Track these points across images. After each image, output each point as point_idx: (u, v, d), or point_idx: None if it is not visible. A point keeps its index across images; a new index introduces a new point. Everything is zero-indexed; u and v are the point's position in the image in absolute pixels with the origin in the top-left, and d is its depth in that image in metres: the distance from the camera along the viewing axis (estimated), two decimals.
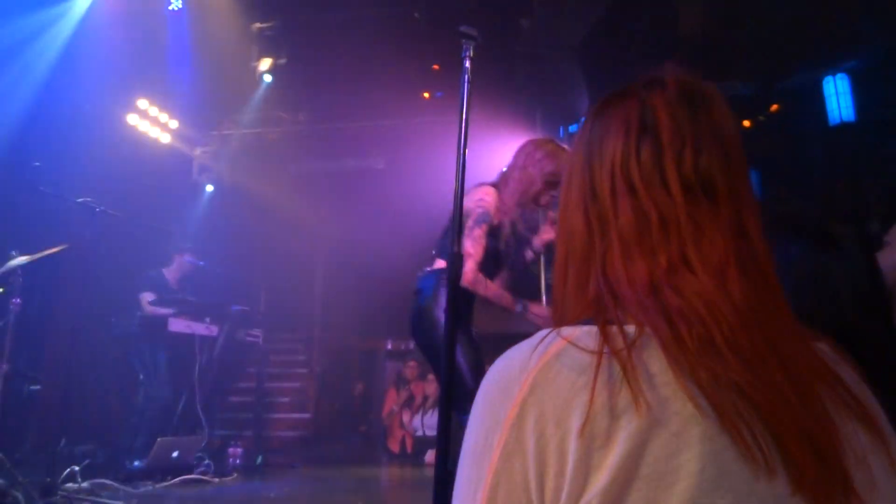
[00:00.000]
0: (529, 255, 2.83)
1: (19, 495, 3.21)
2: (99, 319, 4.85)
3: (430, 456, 6.01)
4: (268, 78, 5.92)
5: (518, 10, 5.04)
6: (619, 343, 0.55)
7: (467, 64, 2.14)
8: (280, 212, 7.09)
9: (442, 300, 2.46)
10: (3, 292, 3.55)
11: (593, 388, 0.52)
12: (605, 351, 0.54)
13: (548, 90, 5.67)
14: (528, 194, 2.58)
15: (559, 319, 0.65)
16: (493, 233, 2.54)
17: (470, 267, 2.45)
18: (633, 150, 0.64)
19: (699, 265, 0.59)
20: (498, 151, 5.87)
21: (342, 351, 8.44)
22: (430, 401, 6.31)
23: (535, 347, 0.57)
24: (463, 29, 2.10)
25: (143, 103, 5.78)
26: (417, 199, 7.16)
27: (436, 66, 7.03)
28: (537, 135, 6.57)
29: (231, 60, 5.77)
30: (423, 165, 6.92)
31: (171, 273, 5.28)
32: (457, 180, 2.02)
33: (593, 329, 0.57)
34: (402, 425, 6.36)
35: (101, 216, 3.86)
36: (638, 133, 0.65)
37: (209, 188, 7.07)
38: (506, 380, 0.57)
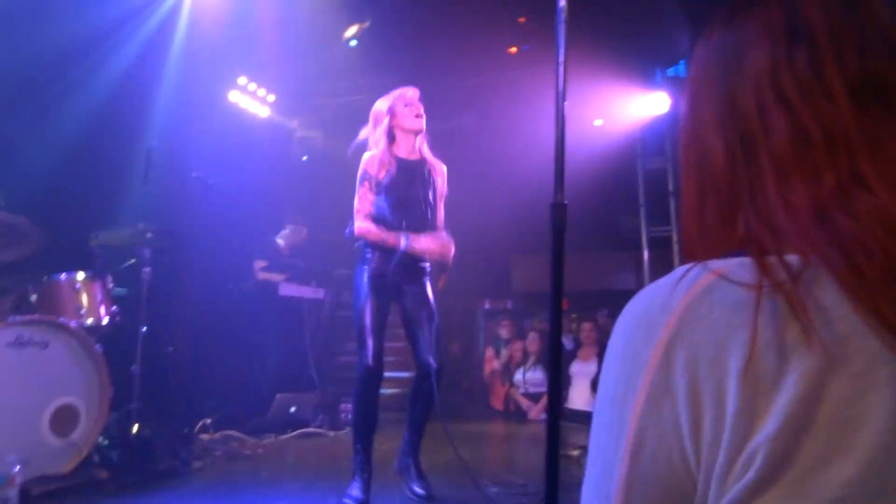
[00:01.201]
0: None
1: (164, 443, 3.56)
2: (218, 286, 5.21)
3: (533, 412, 6.05)
4: (353, 42, 5.98)
5: None
6: (782, 275, 0.48)
7: (563, 3, 2.04)
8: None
9: (357, 272, 3.10)
10: (135, 262, 3.87)
11: (755, 325, 0.47)
12: (765, 284, 0.48)
13: (643, 31, 5.36)
14: (381, 132, 3.14)
15: (697, 258, 0.58)
16: (386, 184, 3.05)
17: (356, 221, 3.04)
18: (783, 58, 0.56)
19: (876, 183, 0.51)
20: (591, 97, 5.68)
21: (441, 311, 8.60)
22: (532, 358, 6.32)
23: (677, 283, 0.52)
24: None
25: (242, 80, 6.03)
26: (510, 157, 7.08)
27: (522, 19, 6.83)
28: (632, 79, 6.29)
29: (320, 30, 5.87)
30: (514, 121, 6.80)
31: (282, 241, 5.60)
32: (557, 125, 1.96)
33: (747, 261, 0.51)
34: (504, 382, 6.43)
35: (214, 189, 4.11)
36: (787, 38, 0.57)
37: (304, 158, 7.33)
38: (646, 320, 0.53)
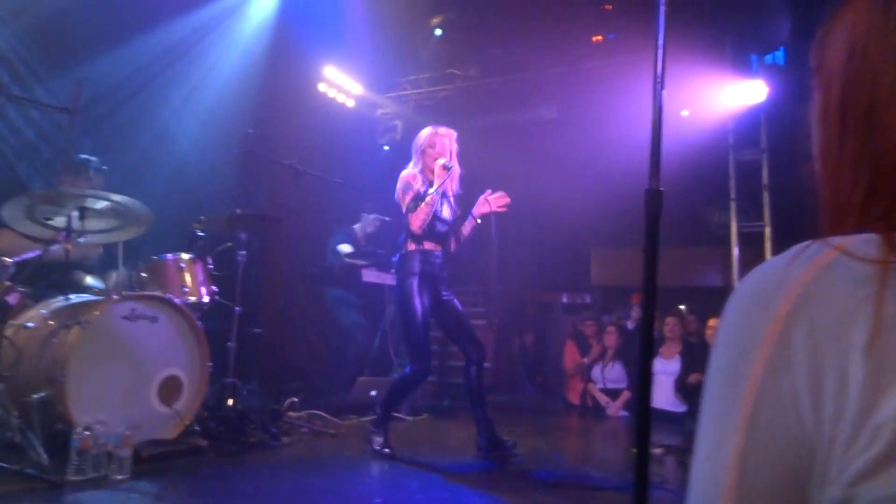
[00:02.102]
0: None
1: (255, 417, 3.75)
2: (303, 270, 5.42)
3: (611, 408, 5.94)
4: (438, 31, 6.02)
5: None
6: None
7: None
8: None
9: (401, 276, 3.65)
10: (231, 246, 4.08)
11: (881, 300, 0.46)
12: (891, 259, 0.48)
13: (740, 16, 5.11)
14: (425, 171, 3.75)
15: (829, 228, 0.58)
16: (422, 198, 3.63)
17: (412, 216, 3.60)
18: None
19: None
20: (680, 86, 5.47)
21: (518, 304, 8.58)
22: (610, 353, 6.20)
23: (794, 259, 0.52)
24: None
25: (330, 71, 6.21)
26: (591, 148, 6.96)
27: (608, 7, 6.67)
28: (725, 66, 6.02)
29: (405, 22, 5.96)
30: (596, 112, 6.67)
31: (360, 229, 5.74)
32: (654, 110, 1.91)
33: (872, 237, 0.50)
34: (583, 378, 6.34)
35: (303, 176, 4.27)
36: None
37: (386, 148, 7.47)
38: (763, 293, 0.53)
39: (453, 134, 3.81)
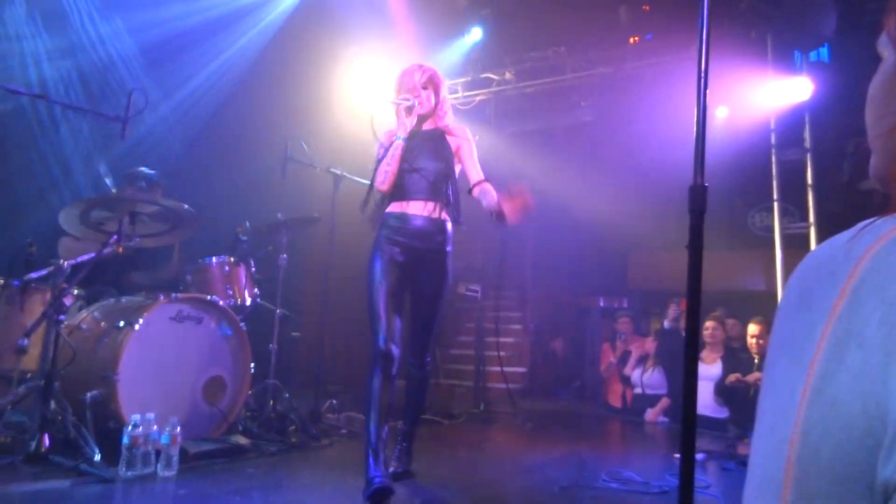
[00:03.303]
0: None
1: (296, 419, 3.81)
2: (342, 275, 5.49)
3: (650, 414, 5.85)
4: (477, 34, 6.04)
5: None
6: None
7: None
8: (491, 172, 7.30)
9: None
10: (272, 250, 4.16)
11: None
12: None
13: (784, 11, 5.00)
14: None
15: None
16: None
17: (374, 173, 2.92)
18: None
19: None
20: (722, 81, 5.37)
21: (555, 308, 8.52)
22: (651, 360, 6.11)
23: (858, 234, 0.52)
24: None
25: (363, 74, 6.29)
26: (628, 151, 6.89)
27: (646, 7, 6.61)
28: (767, 62, 5.88)
29: (443, 28, 6.00)
30: (633, 114, 6.60)
31: None
32: (698, 105, 1.90)
33: None
34: (622, 379, 6.26)
35: (343, 181, 4.34)
36: None
37: None
38: (829, 266, 0.52)
39: (423, 66, 2.99)
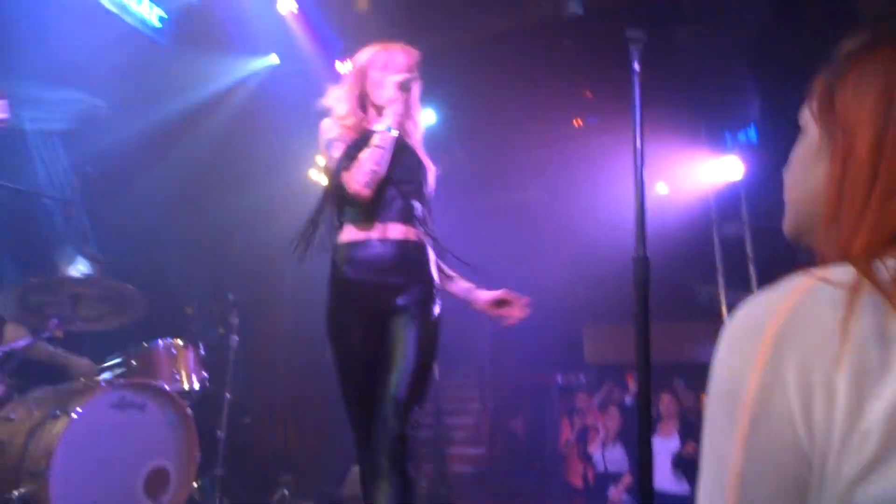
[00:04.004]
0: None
1: None
2: (297, 358, 5.34)
3: (612, 492, 5.74)
4: (431, 117, 6.24)
5: (673, 19, 4.91)
6: (884, 275, 0.54)
7: (636, 67, 2.11)
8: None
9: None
10: (223, 332, 4.05)
11: (850, 317, 0.52)
12: (865, 284, 0.54)
13: (711, 96, 5.41)
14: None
15: (835, 253, 0.62)
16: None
17: (346, 175, 2.05)
18: None
19: None
20: (661, 161, 5.68)
21: (512, 386, 8.44)
22: (612, 434, 6.06)
23: (779, 289, 0.58)
24: (628, 33, 2.09)
25: (321, 159, 6.39)
26: (578, 226, 7.10)
27: (588, 93, 7.03)
28: (702, 143, 6.28)
29: None
30: (582, 193, 6.87)
31: None
32: (636, 179, 1.99)
33: (849, 268, 0.56)
34: (581, 457, 6.16)
35: (298, 261, 4.30)
36: None
37: None
38: (751, 323, 0.57)
39: (408, 49, 2.28)
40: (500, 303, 2.28)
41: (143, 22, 4.62)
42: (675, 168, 6.05)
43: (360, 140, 2.10)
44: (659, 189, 6.68)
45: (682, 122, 5.61)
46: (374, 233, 2.10)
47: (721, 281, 6.10)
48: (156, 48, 4.67)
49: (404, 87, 2.14)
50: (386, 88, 2.17)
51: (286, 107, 5.21)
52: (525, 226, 7.36)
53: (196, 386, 3.57)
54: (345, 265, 2.10)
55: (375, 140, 2.07)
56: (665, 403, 5.80)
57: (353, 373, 2.11)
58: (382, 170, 2.05)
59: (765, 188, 5.90)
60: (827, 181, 0.66)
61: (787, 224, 0.77)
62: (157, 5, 4.72)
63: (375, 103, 2.23)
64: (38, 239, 3.51)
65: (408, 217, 2.14)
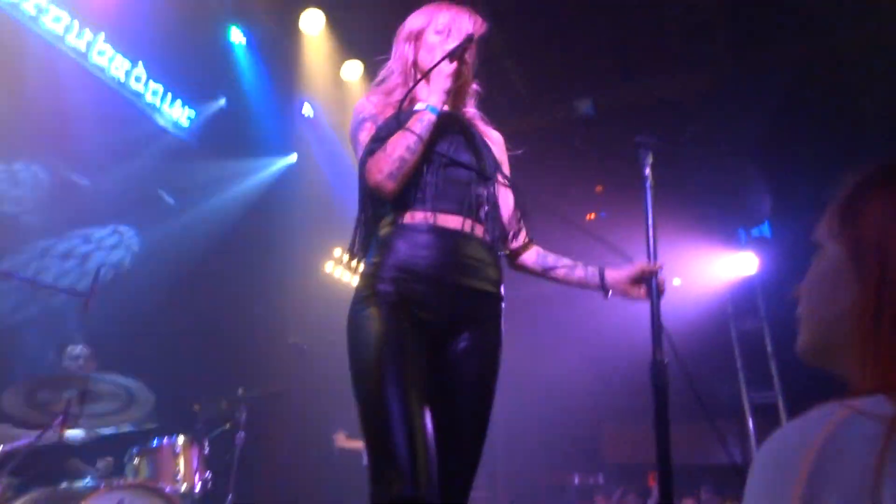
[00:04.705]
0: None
1: None
2: (305, 454, 5.18)
3: None
4: None
5: (683, 117, 5.06)
6: None
7: (647, 172, 2.14)
8: None
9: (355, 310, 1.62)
10: (230, 427, 3.94)
11: (887, 452, 0.49)
12: None
13: (723, 193, 5.49)
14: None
15: (868, 381, 0.60)
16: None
17: (372, 159, 1.67)
18: None
19: None
20: (677, 257, 5.67)
21: (528, 486, 8.07)
22: None
23: (812, 420, 0.55)
24: (638, 138, 2.13)
25: (338, 251, 6.47)
26: (598, 324, 7.01)
27: (599, 188, 7.15)
28: (716, 239, 6.28)
29: None
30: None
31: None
32: (649, 285, 1.97)
33: (882, 397, 0.54)
34: None
35: (308, 355, 4.27)
36: None
37: None
38: (783, 458, 0.55)
39: (475, 15, 1.89)
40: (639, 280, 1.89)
41: (174, 123, 4.86)
42: (690, 264, 6.04)
43: (394, 120, 1.71)
44: (674, 283, 6.64)
45: (696, 219, 5.66)
46: (425, 219, 1.67)
47: (742, 379, 5.92)
48: (183, 146, 4.89)
49: (456, 57, 1.71)
50: (439, 56, 1.74)
51: (304, 203, 5.36)
52: (542, 322, 7.28)
53: (197, 488, 3.45)
54: (386, 263, 1.63)
55: (411, 121, 1.68)
56: None
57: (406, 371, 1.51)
58: (413, 158, 1.64)
59: (781, 283, 5.84)
60: (857, 304, 0.65)
61: (806, 345, 0.75)
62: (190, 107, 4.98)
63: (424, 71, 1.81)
64: (50, 334, 3.52)
65: (465, 210, 1.71)
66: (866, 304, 0.63)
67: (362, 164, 1.71)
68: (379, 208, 1.75)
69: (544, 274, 2.01)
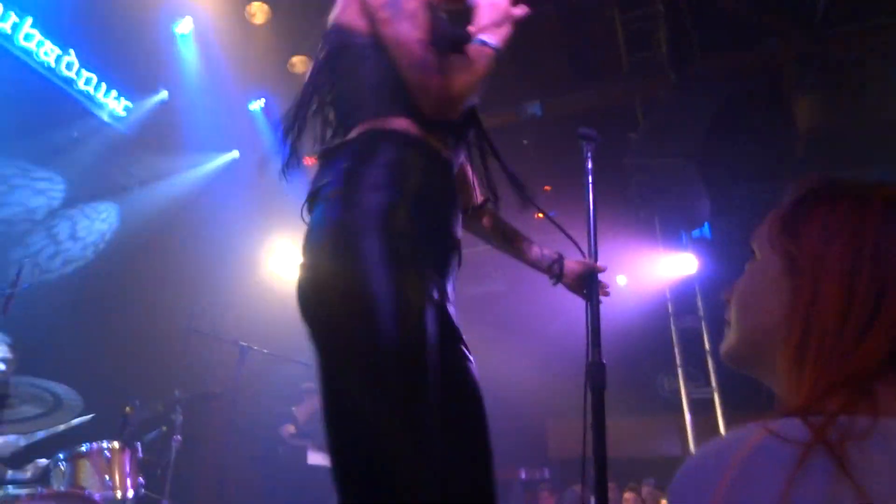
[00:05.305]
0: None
1: None
2: (247, 453, 5.06)
3: None
4: None
5: (624, 124, 5.18)
6: (837, 433, 0.52)
7: (589, 165, 2.17)
8: None
9: (366, 198, 1.21)
10: (166, 430, 3.82)
11: (794, 480, 0.50)
12: (814, 442, 0.51)
13: (664, 197, 5.64)
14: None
15: (792, 394, 0.61)
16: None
17: (417, 54, 1.29)
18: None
19: None
20: (620, 255, 5.80)
21: None
22: None
23: (729, 442, 0.55)
24: (582, 131, 2.16)
25: (283, 244, 6.34)
26: (542, 321, 7.11)
27: (547, 188, 7.25)
28: (657, 241, 6.46)
29: None
30: (544, 285, 6.92)
31: (300, 411, 5.49)
32: (589, 289, 2.00)
33: (797, 421, 0.54)
34: None
35: (247, 351, 4.17)
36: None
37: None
38: (701, 478, 0.55)
39: None
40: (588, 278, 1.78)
41: (109, 113, 4.66)
42: (633, 263, 6.19)
43: (447, 33, 1.42)
44: (620, 281, 6.78)
45: (640, 221, 5.80)
46: (438, 145, 1.38)
47: (681, 375, 6.12)
48: (120, 138, 4.70)
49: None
50: None
51: (240, 202, 5.23)
52: (486, 319, 7.33)
53: (130, 493, 3.32)
54: (401, 168, 1.28)
55: (478, 54, 1.38)
56: (630, 503, 5.63)
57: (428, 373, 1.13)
58: (477, 82, 1.37)
59: (719, 283, 6.05)
60: (787, 320, 0.65)
61: (732, 349, 0.75)
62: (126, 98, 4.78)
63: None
64: None
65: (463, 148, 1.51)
66: (795, 322, 0.64)
67: (403, 49, 1.29)
68: (391, 110, 1.33)
69: (499, 239, 1.89)
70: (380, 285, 1.12)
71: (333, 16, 1.46)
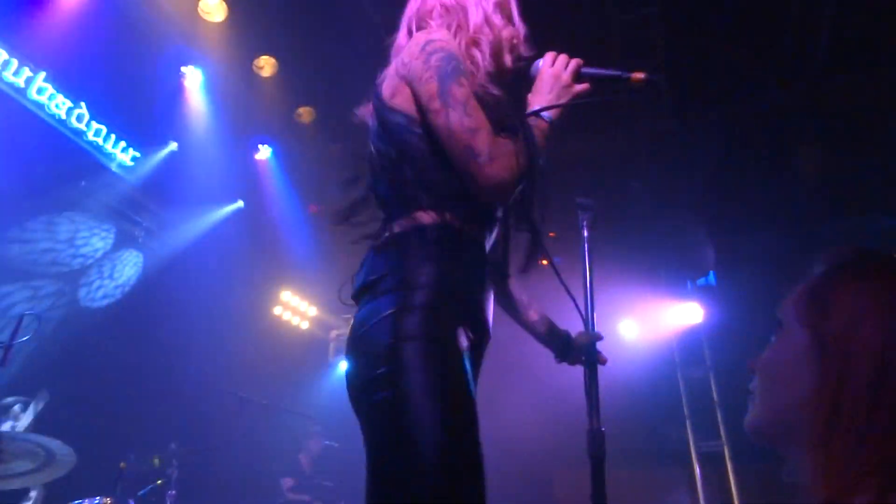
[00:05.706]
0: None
1: None
2: None
3: None
4: None
5: (628, 172, 5.19)
6: None
7: (585, 233, 2.17)
8: None
9: (407, 321, 1.25)
10: (162, 484, 3.74)
11: None
12: None
13: (669, 246, 5.62)
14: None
15: (825, 491, 0.59)
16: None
17: (485, 142, 1.30)
18: None
19: None
20: (625, 305, 5.73)
21: None
22: None
23: None
24: (579, 200, 2.16)
25: (286, 295, 6.33)
26: (549, 369, 7.00)
27: (552, 234, 7.25)
28: (662, 290, 6.38)
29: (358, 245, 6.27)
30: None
31: (304, 458, 5.40)
32: (588, 343, 1.97)
33: None
34: None
35: (246, 403, 4.12)
36: None
37: (343, 366, 7.38)
38: None
39: None
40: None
41: (118, 163, 4.73)
42: (639, 313, 6.12)
43: (494, 104, 1.41)
44: (623, 331, 6.70)
45: (645, 271, 5.76)
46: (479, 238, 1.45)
47: (689, 426, 5.97)
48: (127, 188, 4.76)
49: (593, 82, 1.51)
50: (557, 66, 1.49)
51: (244, 251, 5.25)
52: (492, 366, 7.23)
53: None
54: (448, 259, 1.35)
55: (534, 129, 1.42)
56: None
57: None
58: (527, 162, 1.37)
59: (726, 333, 5.96)
60: (816, 397, 0.64)
61: (759, 422, 0.73)
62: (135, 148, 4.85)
63: (508, 66, 1.57)
64: None
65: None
66: (823, 401, 0.62)
67: (452, 129, 1.31)
68: (437, 194, 1.38)
69: (516, 308, 1.98)
70: (431, 415, 1.22)
71: (386, 91, 1.46)
